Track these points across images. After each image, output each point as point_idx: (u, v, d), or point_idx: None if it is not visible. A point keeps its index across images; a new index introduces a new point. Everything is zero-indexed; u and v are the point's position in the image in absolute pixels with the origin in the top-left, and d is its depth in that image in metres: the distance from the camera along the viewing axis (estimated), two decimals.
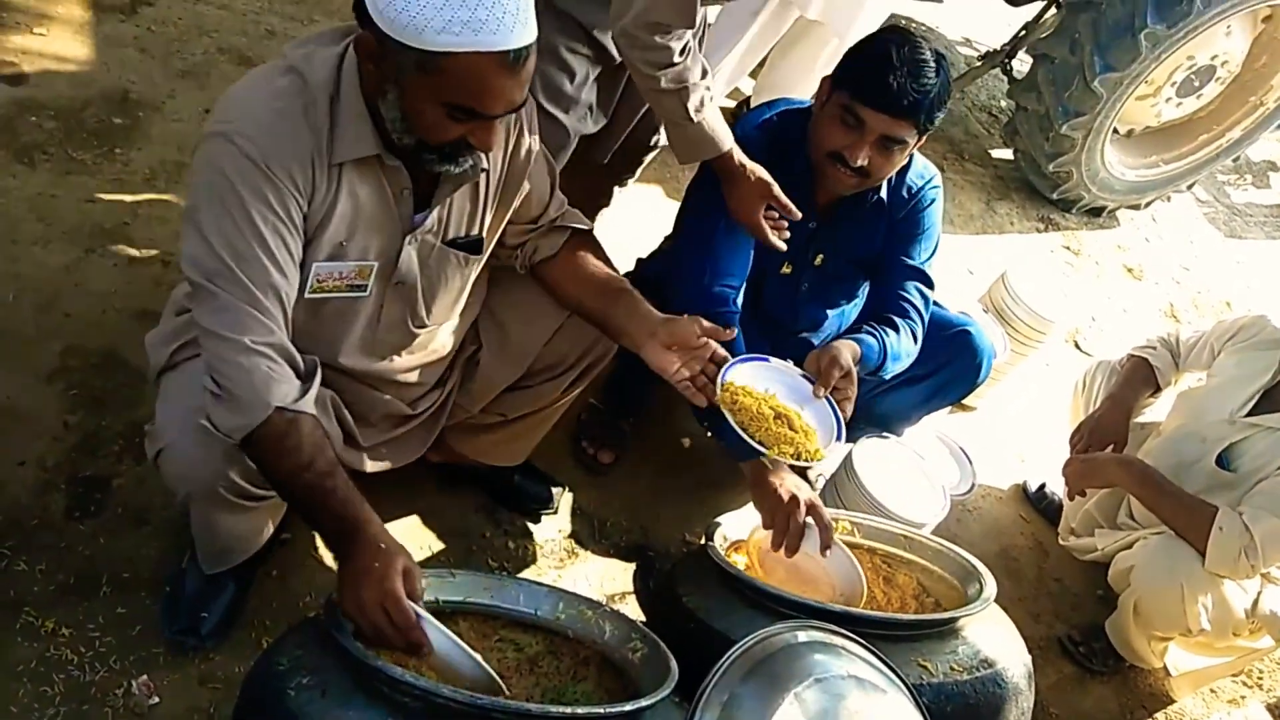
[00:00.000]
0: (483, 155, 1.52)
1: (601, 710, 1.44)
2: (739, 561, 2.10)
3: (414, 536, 2.20)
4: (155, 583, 1.91)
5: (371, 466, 1.87)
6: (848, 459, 2.39)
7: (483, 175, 1.64)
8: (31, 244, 2.33)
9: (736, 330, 1.93)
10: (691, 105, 1.92)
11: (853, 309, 2.35)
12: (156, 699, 1.78)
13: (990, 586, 1.93)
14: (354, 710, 1.36)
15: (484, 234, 1.74)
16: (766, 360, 1.92)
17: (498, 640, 1.81)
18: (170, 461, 1.55)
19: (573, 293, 1.85)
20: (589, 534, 2.39)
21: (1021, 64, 4.27)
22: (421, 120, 1.41)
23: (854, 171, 1.98)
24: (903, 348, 2.15)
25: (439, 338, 1.84)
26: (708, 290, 2.06)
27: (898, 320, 2.17)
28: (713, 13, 2.27)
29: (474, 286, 1.84)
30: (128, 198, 2.53)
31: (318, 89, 1.45)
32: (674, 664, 1.61)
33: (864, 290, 2.33)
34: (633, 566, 2.37)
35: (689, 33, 1.87)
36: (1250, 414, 2.43)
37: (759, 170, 2.00)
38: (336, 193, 1.50)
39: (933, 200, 2.21)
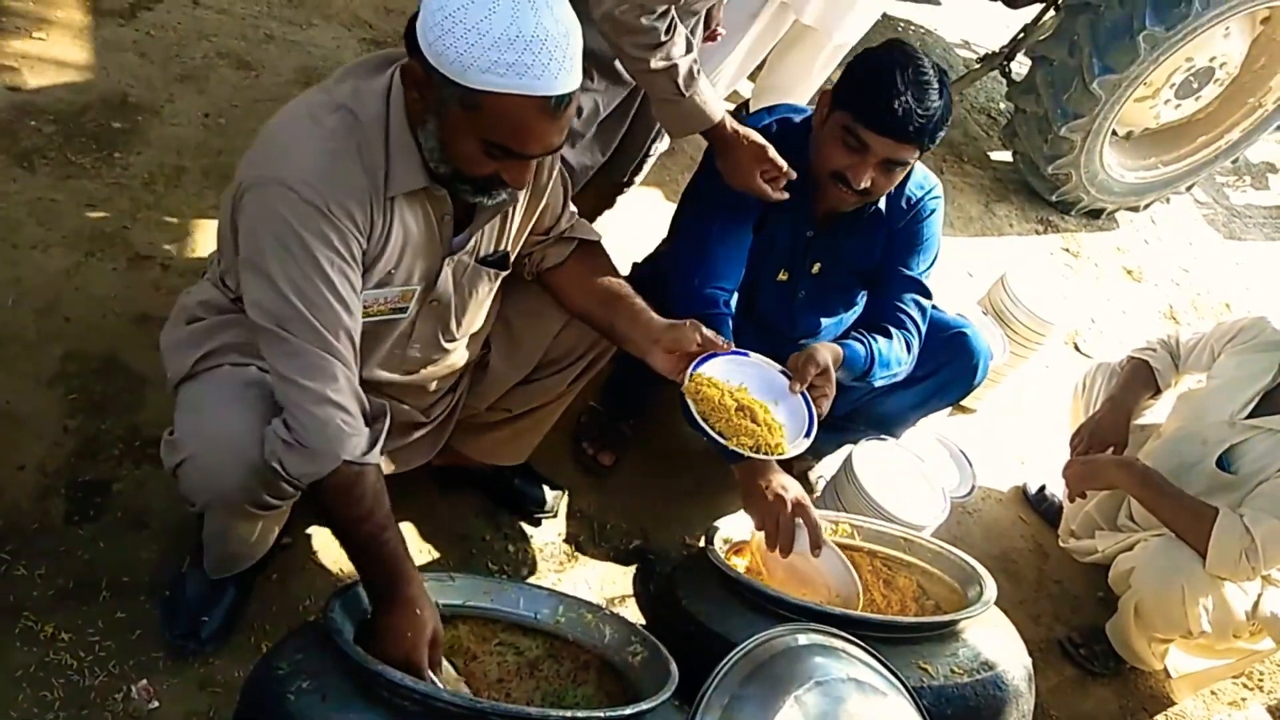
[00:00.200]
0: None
1: (601, 714, 1.44)
2: (739, 564, 2.10)
3: (414, 539, 2.20)
4: (155, 587, 1.91)
5: None
6: (847, 461, 2.39)
7: None
8: (31, 248, 2.33)
9: (728, 337, 1.92)
10: (682, 81, 1.92)
11: (851, 317, 2.35)
12: (156, 703, 1.78)
13: (990, 589, 1.93)
14: (353, 714, 1.36)
15: (510, 249, 1.77)
16: (745, 355, 1.92)
17: (498, 644, 1.81)
18: (193, 474, 1.55)
19: (578, 300, 1.88)
20: (589, 537, 2.39)
21: (1020, 66, 4.27)
22: (458, 152, 1.44)
23: (857, 192, 1.98)
24: (893, 356, 2.14)
25: (461, 349, 1.87)
26: (699, 291, 2.06)
27: (892, 330, 2.16)
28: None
29: (494, 297, 1.86)
30: (127, 201, 2.53)
31: (370, 126, 1.46)
32: (674, 667, 1.61)
33: (862, 299, 2.33)
34: (632, 570, 2.37)
35: (672, 7, 1.86)
36: (1250, 416, 2.43)
37: (752, 134, 2.01)
38: (390, 225, 1.52)
39: (933, 211, 2.21)
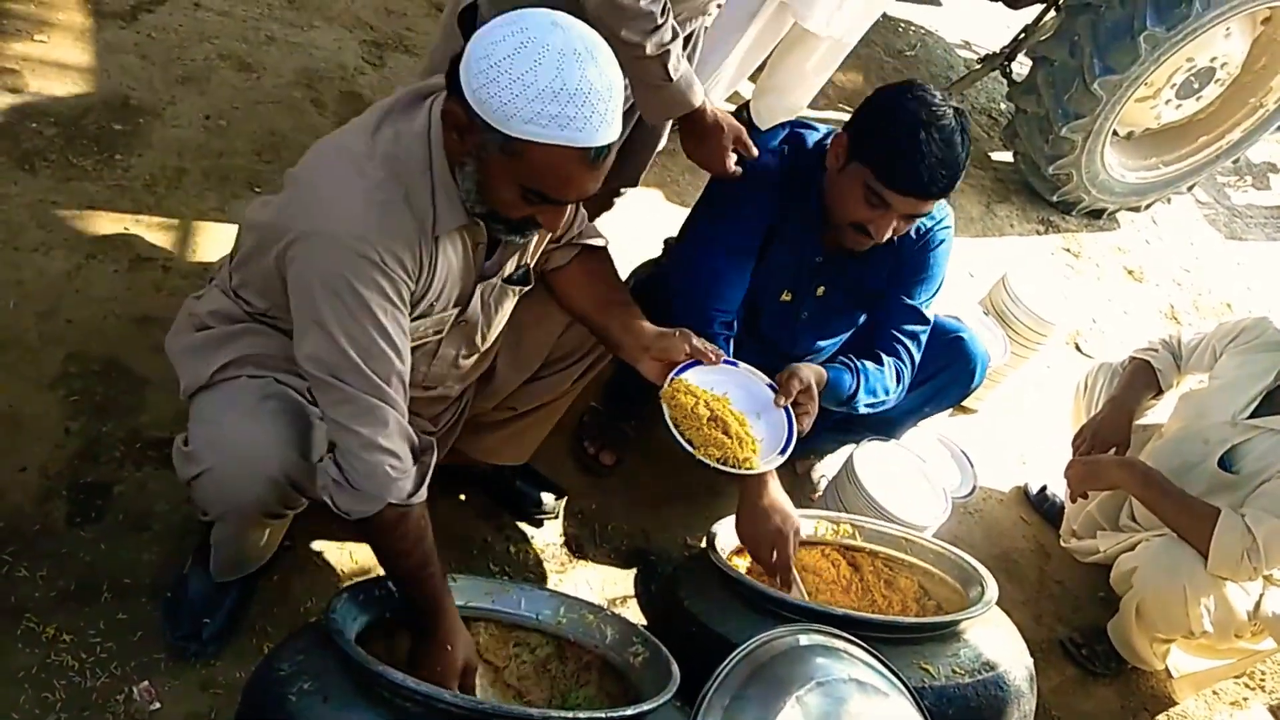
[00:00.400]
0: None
1: (603, 715, 1.44)
2: (741, 565, 2.10)
3: None
4: (156, 588, 1.91)
5: None
6: (849, 462, 2.40)
7: None
8: (32, 250, 2.33)
9: (723, 354, 1.92)
10: (671, 65, 1.91)
11: (849, 335, 2.33)
12: (158, 704, 1.78)
13: (992, 589, 1.92)
14: (355, 715, 1.36)
15: (530, 261, 1.78)
16: (735, 366, 1.92)
17: (515, 646, 1.82)
18: (210, 487, 1.56)
19: (576, 302, 1.90)
20: (590, 538, 2.39)
21: (1021, 66, 4.27)
22: (496, 196, 1.45)
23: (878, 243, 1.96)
24: (881, 384, 2.12)
25: (480, 362, 1.89)
26: (701, 315, 2.04)
27: (884, 357, 2.15)
28: (709, 18, 2.26)
29: None
30: (128, 204, 2.53)
31: (415, 172, 1.47)
32: (675, 668, 1.61)
33: (862, 319, 2.30)
34: (634, 570, 2.37)
35: None
36: (1252, 416, 2.43)
37: (728, 118, 2.00)
38: (435, 262, 1.54)
39: (942, 241, 2.17)
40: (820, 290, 2.19)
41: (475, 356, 1.84)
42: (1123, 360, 2.81)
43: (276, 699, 1.40)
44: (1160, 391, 2.72)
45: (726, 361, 1.91)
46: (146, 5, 3.05)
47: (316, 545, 2.09)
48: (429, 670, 1.53)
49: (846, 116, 2.05)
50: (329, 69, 3.16)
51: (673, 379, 1.82)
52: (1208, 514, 2.29)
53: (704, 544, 2.06)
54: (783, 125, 2.17)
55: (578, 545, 2.37)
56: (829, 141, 2.04)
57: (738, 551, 2.14)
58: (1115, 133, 4.07)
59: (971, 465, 2.69)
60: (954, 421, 3.09)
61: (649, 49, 1.86)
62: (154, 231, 2.50)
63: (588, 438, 2.51)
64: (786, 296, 2.19)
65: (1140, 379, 2.70)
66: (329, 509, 1.57)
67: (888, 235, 1.94)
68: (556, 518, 2.37)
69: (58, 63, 2.77)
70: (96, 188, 2.53)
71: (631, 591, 2.32)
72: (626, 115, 2.30)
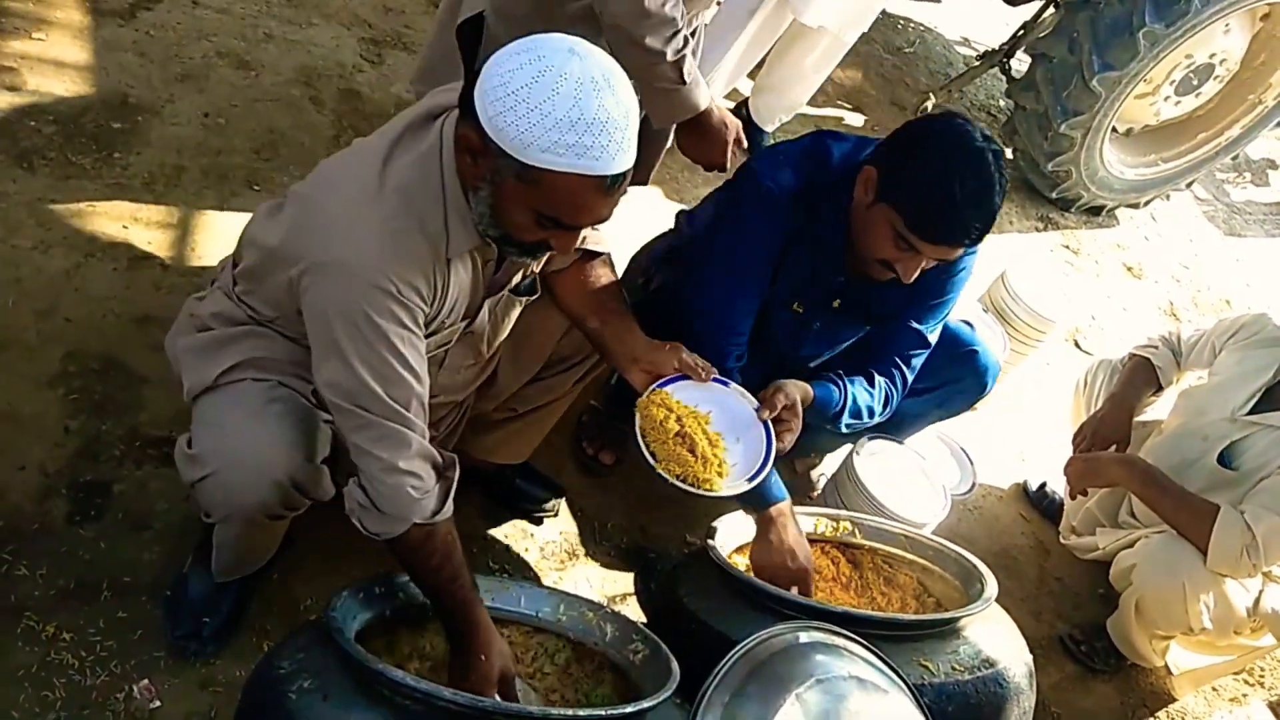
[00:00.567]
0: None
1: (603, 712, 1.44)
2: (740, 563, 2.10)
3: None
4: (156, 587, 1.91)
5: None
6: (849, 459, 2.40)
7: None
8: (31, 249, 2.33)
9: (713, 371, 1.90)
10: (685, 69, 1.91)
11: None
12: (158, 703, 1.78)
13: (991, 586, 1.93)
14: (355, 713, 1.37)
15: (537, 269, 1.79)
16: (726, 385, 1.89)
17: (536, 651, 1.84)
18: (215, 491, 1.57)
19: (573, 305, 1.90)
20: (590, 536, 2.39)
21: (1020, 63, 4.27)
22: (509, 220, 1.45)
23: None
24: (868, 406, 2.08)
25: (484, 368, 1.90)
26: (719, 351, 1.98)
27: (878, 379, 2.11)
28: (708, 13, 2.26)
29: None
30: (127, 202, 2.53)
31: (429, 200, 1.47)
32: (675, 665, 1.62)
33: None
34: (634, 568, 2.37)
35: None
36: (1251, 412, 2.43)
37: (729, 116, 1.99)
38: (447, 284, 1.55)
39: (964, 269, 2.09)
40: (836, 303, 2.10)
41: (480, 364, 1.84)
42: (1122, 357, 2.82)
43: (276, 697, 1.41)
44: (1160, 388, 2.72)
45: (717, 379, 1.88)
46: (145, 3, 3.04)
47: (317, 544, 2.09)
48: (466, 681, 1.55)
49: (846, 114, 2.04)
50: (327, 67, 3.15)
51: (653, 390, 1.81)
52: (1207, 511, 2.29)
53: (703, 542, 2.06)
54: (808, 135, 2.05)
55: (577, 543, 2.37)
56: (858, 161, 1.91)
57: (737, 549, 2.14)
58: (1114, 129, 4.06)
59: (971, 462, 2.69)
60: (953, 419, 3.09)
61: (669, 55, 1.86)
62: (153, 230, 2.50)
63: (587, 438, 2.51)
64: (798, 307, 2.10)
65: (1140, 376, 2.70)
66: (330, 508, 1.57)
67: (915, 277, 1.87)
68: (556, 516, 2.37)
69: (56, 60, 2.76)
70: (95, 186, 2.53)
71: (631, 589, 2.33)
72: None
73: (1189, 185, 4.58)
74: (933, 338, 2.15)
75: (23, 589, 1.84)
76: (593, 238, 1.89)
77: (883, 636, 1.68)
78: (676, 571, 2.17)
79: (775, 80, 3.46)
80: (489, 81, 1.34)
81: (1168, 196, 4.58)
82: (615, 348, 1.87)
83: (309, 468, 1.59)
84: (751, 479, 1.80)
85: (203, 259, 2.50)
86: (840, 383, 2.06)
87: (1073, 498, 2.64)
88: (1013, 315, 3.04)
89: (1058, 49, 3.80)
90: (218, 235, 2.55)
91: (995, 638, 1.86)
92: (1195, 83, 4.01)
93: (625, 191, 1.44)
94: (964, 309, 2.88)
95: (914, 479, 2.40)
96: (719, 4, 2.21)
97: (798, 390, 1.95)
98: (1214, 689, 2.75)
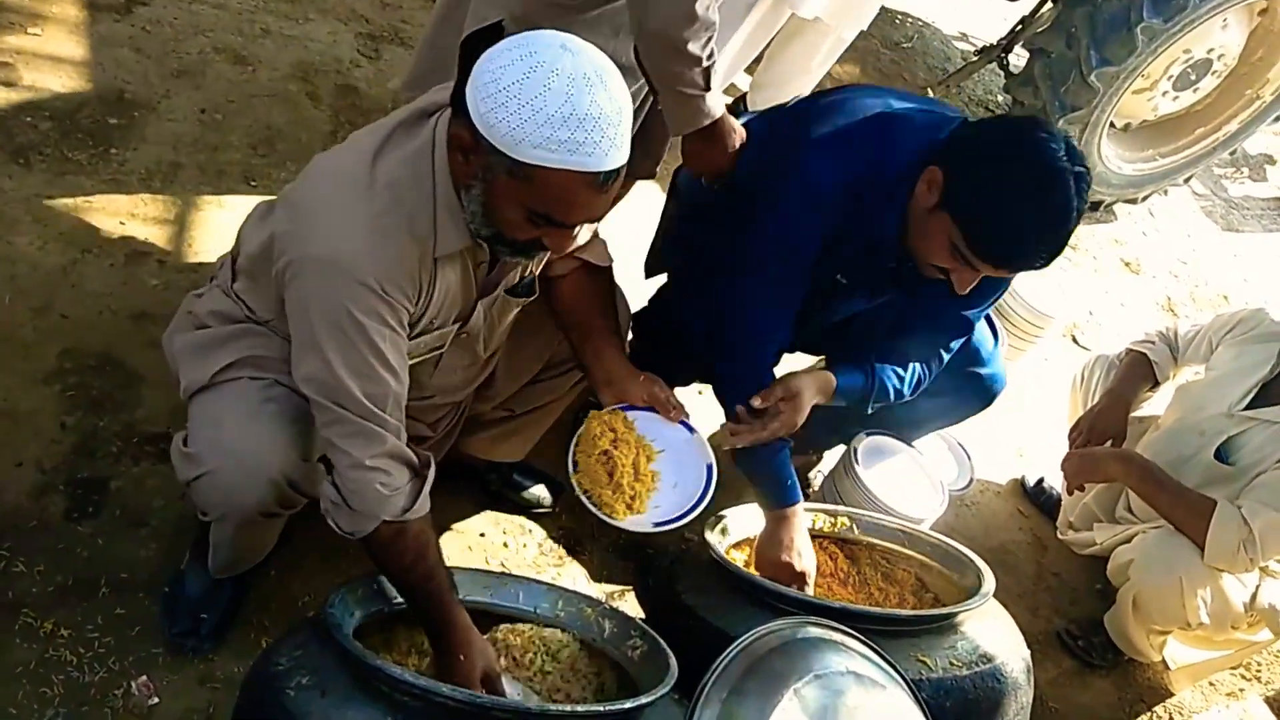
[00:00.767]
0: None
1: (601, 709, 1.44)
2: (738, 558, 2.10)
3: None
4: (154, 584, 1.90)
5: None
6: (846, 455, 2.40)
7: None
8: (27, 245, 2.32)
9: (684, 413, 1.90)
10: (711, 75, 1.89)
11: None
12: (156, 699, 1.78)
13: (989, 581, 1.93)
14: (353, 709, 1.37)
15: (535, 271, 1.78)
16: (689, 431, 1.89)
17: (539, 649, 1.83)
18: (212, 490, 1.57)
19: (563, 314, 1.90)
20: (587, 531, 2.39)
21: (1018, 58, 4.26)
22: (502, 218, 1.44)
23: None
24: (895, 387, 2.02)
25: (481, 369, 1.89)
26: (757, 381, 1.94)
27: (912, 365, 2.02)
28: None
29: None
30: (124, 198, 2.52)
31: (418, 198, 1.47)
32: (673, 661, 1.62)
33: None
34: (632, 564, 2.37)
35: None
36: (1248, 407, 2.43)
37: (736, 124, 1.97)
38: (435, 284, 1.54)
39: None
40: (884, 282, 1.97)
41: (477, 365, 1.84)
42: (1119, 353, 2.82)
43: (274, 693, 1.41)
44: (1157, 384, 2.73)
45: (684, 424, 1.90)
46: None
47: (314, 541, 2.08)
48: (446, 679, 1.53)
49: None
50: (324, 62, 3.15)
51: (613, 409, 1.84)
52: (1204, 506, 2.29)
53: (701, 537, 2.06)
54: (871, 116, 1.83)
55: (575, 539, 2.37)
56: (926, 153, 1.73)
57: (734, 545, 2.14)
58: (1112, 125, 4.06)
59: (969, 458, 2.70)
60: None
61: (704, 60, 1.84)
62: (149, 226, 2.50)
63: None
64: (842, 278, 1.95)
65: (1137, 371, 2.71)
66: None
67: (969, 291, 1.74)
68: (553, 512, 2.37)
69: (52, 56, 2.76)
70: (92, 182, 2.52)
71: (629, 585, 2.33)
72: (638, 111, 2.30)
73: (1187, 181, 4.58)
74: (978, 324, 2.09)
75: (20, 586, 1.84)
76: (598, 251, 1.88)
77: (880, 632, 1.68)
78: (674, 567, 2.18)
79: (773, 75, 3.46)
80: (480, 78, 1.33)
81: (1165, 192, 4.58)
82: (592, 364, 1.88)
83: (305, 466, 1.59)
84: (658, 524, 1.81)
85: (199, 255, 2.49)
86: (869, 371, 1.99)
87: (1070, 493, 2.64)
88: (1011, 311, 3.05)
89: (1056, 44, 3.80)
90: (214, 231, 2.55)
91: (993, 633, 1.86)
92: (1193, 78, 4.00)
93: (619, 188, 1.43)
94: None
95: (912, 475, 2.41)
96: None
97: (815, 383, 1.93)
98: (1211, 684, 2.75)
